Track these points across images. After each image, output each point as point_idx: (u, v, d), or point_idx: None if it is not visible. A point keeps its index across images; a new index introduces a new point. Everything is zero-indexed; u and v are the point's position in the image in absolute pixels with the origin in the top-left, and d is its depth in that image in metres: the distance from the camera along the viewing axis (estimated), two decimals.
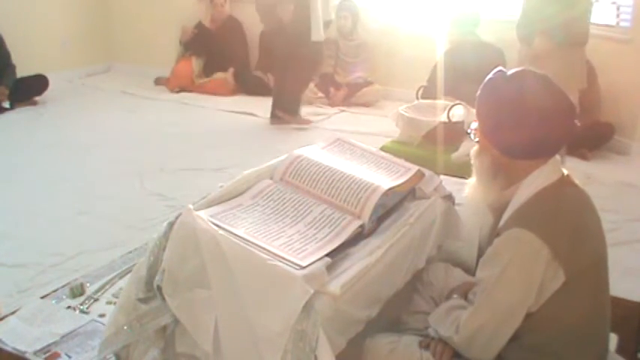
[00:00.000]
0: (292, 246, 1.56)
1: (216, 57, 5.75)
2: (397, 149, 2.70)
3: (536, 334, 1.43)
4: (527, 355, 1.45)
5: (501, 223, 1.50)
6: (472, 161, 1.62)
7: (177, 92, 5.70)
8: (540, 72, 1.49)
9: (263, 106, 5.33)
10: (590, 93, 4.15)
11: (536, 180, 1.47)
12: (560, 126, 1.46)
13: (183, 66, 5.81)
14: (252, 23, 5.73)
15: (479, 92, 1.54)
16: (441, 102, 3.12)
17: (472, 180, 1.63)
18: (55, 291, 2.43)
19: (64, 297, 2.38)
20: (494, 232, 1.51)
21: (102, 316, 2.25)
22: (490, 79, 1.52)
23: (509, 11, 4.84)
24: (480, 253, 1.73)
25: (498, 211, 1.54)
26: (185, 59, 5.86)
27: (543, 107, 1.43)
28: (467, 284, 1.77)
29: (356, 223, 1.70)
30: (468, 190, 1.65)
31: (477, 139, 1.58)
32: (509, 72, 1.50)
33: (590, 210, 1.51)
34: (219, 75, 5.73)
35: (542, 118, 1.43)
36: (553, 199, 1.46)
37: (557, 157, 1.52)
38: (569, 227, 1.42)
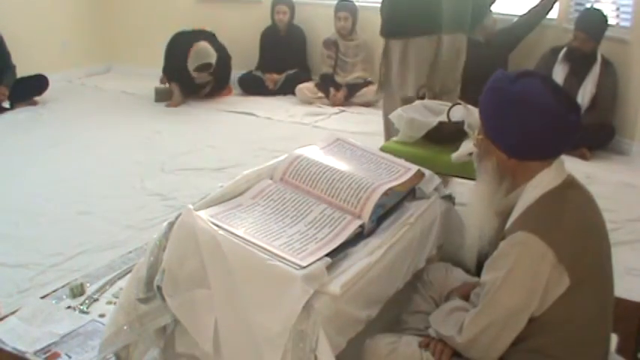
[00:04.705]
0: (292, 246, 1.56)
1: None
2: (397, 149, 2.69)
3: (539, 338, 1.43)
4: (528, 357, 1.45)
5: (507, 226, 1.49)
6: (475, 165, 1.61)
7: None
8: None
9: (263, 106, 5.35)
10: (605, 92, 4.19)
11: (542, 182, 1.47)
12: (567, 125, 1.45)
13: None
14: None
15: (483, 94, 1.53)
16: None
17: (476, 183, 1.62)
18: (55, 291, 2.43)
19: (64, 297, 2.38)
20: (500, 236, 1.50)
21: (102, 316, 2.25)
22: (494, 80, 1.52)
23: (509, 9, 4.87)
24: (481, 256, 1.72)
25: (503, 214, 1.54)
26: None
27: (549, 106, 1.42)
28: (466, 285, 1.76)
29: (356, 223, 1.70)
30: (472, 193, 1.64)
31: (479, 143, 1.57)
32: (513, 73, 1.50)
33: (594, 212, 1.51)
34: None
35: (549, 118, 1.42)
36: (558, 203, 1.45)
37: (562, 158, 1.51)
38: (574, 231, 1.42)
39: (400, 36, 3.38)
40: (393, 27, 3.42)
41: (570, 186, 1.50)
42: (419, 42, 3.33)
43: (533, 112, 1.43)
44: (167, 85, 5.53)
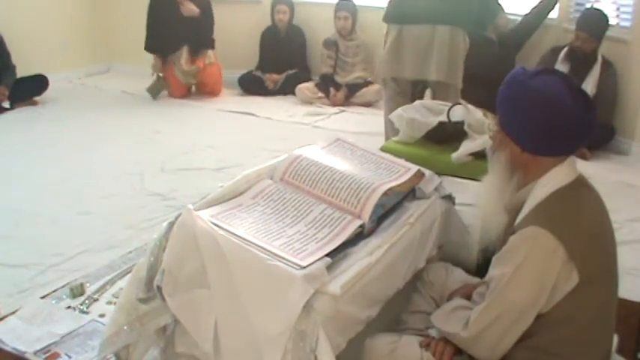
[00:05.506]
0: (292, 246, 1.56)
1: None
2: (397, 149, 2.69)
3: (544, 336, 1.43)
4: (531, 355, 1.45)
5: (517, 221, 1.49)
6: (489, 157, 1.62)
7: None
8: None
9: (263, 106, 5.35)
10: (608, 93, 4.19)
11: (553, 179, 1.47)
12: (582, 124, 1.45)
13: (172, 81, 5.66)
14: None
15: (502, 86, 1.54)
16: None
17: (486, 178, 1.63)
18: (55, 291, 2.43)
19: (64, 297, 2.38)
20: (509, 231, 1.50)
21: (102, 316, 2.25)
22: (514, 73, 1.53)
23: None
24: (487, 252, 1.72)
25: (513, 210, 1.54)
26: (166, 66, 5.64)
27: (566, 104, 1.42)
28: (467, 287, 1.76)
29: (356, 223, 1.70)
30: (482, 184, 1.64)
31: (494, 134, 1.59)
32: (534, 69, 1.51)
33: (603, 211, 1.52)
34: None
35: (565, 115, 1.42)
36: (570, 200, 1.46)
37: (574, 157, 1.52)
38: (585, 229, 1.43)
39: (396, 21, 3.50)
40: (391, 13, 3.54)
41: (581, 185, 1.51)
42: (413, 29, 3.42)
43: (550, 108, 1.43)
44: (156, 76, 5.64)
